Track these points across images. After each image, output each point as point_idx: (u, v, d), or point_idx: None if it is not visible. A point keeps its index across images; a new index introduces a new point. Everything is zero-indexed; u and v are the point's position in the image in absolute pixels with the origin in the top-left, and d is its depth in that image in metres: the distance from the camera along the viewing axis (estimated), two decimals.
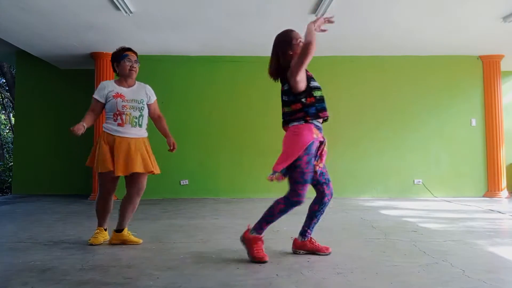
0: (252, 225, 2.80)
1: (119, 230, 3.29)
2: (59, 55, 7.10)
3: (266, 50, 6.58)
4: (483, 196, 7.05)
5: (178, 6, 5.12)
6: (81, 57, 7.17)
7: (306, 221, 2.89)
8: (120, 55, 3.25)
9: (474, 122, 7.22)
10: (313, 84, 2.78)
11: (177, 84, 7.17)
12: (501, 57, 7.18)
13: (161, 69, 7.12)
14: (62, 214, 5.03)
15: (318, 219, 2.88)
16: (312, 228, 2.89)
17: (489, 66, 7.22)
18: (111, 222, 3.47)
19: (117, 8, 5.05)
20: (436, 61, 7.26)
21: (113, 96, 3.17)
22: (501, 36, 6.19)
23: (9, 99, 13.51)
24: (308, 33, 2.72)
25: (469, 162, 7.16)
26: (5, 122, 15.19)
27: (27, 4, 4.95)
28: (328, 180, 2.83)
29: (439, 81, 7.26)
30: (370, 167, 7.11)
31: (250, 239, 2.73)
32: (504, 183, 7.08)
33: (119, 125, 3.15)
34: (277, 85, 2.93)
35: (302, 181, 2.66)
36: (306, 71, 2.80)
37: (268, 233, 3.68)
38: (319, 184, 2.81)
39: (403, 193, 7.07)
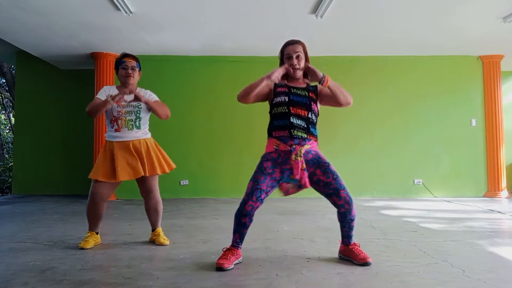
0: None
1: (152, 229, 3.41)
2: (59, 55, 7.10)
3: (266, 50, 6.65)
4: (483, 196, 7.05)
5: (178, 6, 5.12)
6: (81, 57, 7.17)
7: (340, 229, 2.78)
8: (119, 61, 3.28)
9: (474, 122, 7.22)
10: (277, 100, 2.71)
11: (177, 84, 7.17)
12: (501, 57, 7.18)
13: (161, 69, 7.12)
14: (62, 214, 5.03)
15: (350, 227, 2.72)
16: (348, 235, 2.74)
17: (489, 66, 7.22)
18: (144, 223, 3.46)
19: (117, 8, 5.05)
20: (436, 61, 7.26)
21: None
22: (501, 36, 6.19)
23: (9, 99, 13.51)
24: (268, 74, 2.62)
25: (469, 162, 7.16)
26: (5, 122, 15.19)
27: (27, 4, 4.95)
28: (337, 190, 2.67)
29: (439, 81, 7.26)
30: (370, 167, 7.11)
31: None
32: (504, 183, 7.08)
33: (116, 130, 3.17)
34: None
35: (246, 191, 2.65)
36: (280, 87, 2.74)
37: (268, 233, 3.69)
38: (329, 196, 2.70)
39: (403, 193, 7.07)
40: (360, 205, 5.86)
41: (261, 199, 2.61)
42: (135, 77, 3.32)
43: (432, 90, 7.25)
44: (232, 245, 2.68)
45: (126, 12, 5.16)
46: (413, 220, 4.47)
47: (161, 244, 3.25)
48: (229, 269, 2.50)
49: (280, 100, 2.70)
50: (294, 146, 2.61)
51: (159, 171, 3.20)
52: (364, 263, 2.60)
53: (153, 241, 3.33)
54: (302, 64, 2.75)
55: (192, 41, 6.45)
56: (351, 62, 7.26)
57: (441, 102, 7.24)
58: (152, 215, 3.36)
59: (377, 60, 7.24)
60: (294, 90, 2.73)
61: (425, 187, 7.09)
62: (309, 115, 2.71)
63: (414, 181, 7.13)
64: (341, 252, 2.81)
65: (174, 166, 3.33)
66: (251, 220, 2.65)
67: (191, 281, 2.29)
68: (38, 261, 2.73)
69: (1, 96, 14.09)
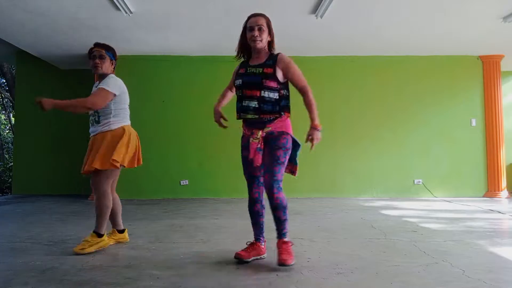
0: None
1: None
2: (59, 55, 7.10)
3: None
4: (483, 196, 7.05)
5: (178, 6, 5.12)
6: (81, 57, 7.16)
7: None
8: (89, 52, 3.23)
9: (474, 122, 7.22)
10: (236, 83, 2.78)
11: (177, 84, 7.16)
12: (501, 57, 7.18)
13: (161, 69, 7.12)
14: (62, 214, 5.03)
15: (275, 218, 2.67)
16: (276, 229, 2.74)
17: (489, 66, 7.22)
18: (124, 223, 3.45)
19: (117, 8, 5.05)
20: (436, 61, 7.26)
21: None
22: (501, 36, 6.19)
23: (9, 99, 13.51)
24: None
25: (469, 162, 7.16)
26: (5, 122, 15.19)
27: (27, 4, 4.95)
28: (264, 172, 2.65)
29: (439, 81, 7.26)
30: (370, 167, 7.11)
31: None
32: (504, 183, 7.08)
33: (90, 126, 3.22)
34: None
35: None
36: (241, 67, 2.81)
37: (268, 233, 3.68)
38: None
39: (403, 193, 7.07)
40: (360, 205, 5.86)
41: (260, 182, 2.75)
42: (104, 66, 3.19)
43: (432, 90, 7.25)
44: (254, 239, 2.81)
45: (126, 12, 5.16)
46: (413, 220, 4.47)
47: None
48: (248, 261, 2.68)
49: (237, 83, 2.75)
50: (253, 130, 2.67)
51: (95, 166, 2.99)
52: (282, 264, 2.51)
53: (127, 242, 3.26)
54: (264, 36, 2.74)
55: (192, 41, 6.45)
56: (351, 62, 7.26)
57: (441, 102, 7.24)
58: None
59: (377, 60, 7.24)
60: (250, 69, 2.73)
61: (425, 187, 7.09)
62: (263, 94, 2.62)
63: (414, 181, 7.13)
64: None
65: (119, 161, 3.01)
66: (263, 206, 2.78)
67: (191, 281, 2.30)
68: (38, 261, 2.73)
69: (1, 96, 14.09)
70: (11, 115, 14.23)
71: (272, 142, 2.63)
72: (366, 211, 5.24)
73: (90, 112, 3.12)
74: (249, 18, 2.81)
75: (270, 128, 2.65)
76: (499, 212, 5.12)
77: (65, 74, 8.00)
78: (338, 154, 7.03)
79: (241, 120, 2.77)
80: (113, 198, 3.26)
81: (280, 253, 2.59)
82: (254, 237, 2.82)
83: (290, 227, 4.13)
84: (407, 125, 7.21)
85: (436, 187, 7.09)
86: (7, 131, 15.07)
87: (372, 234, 3.64)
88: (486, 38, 6.33)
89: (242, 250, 2.74)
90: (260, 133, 2.63)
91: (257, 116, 2.65)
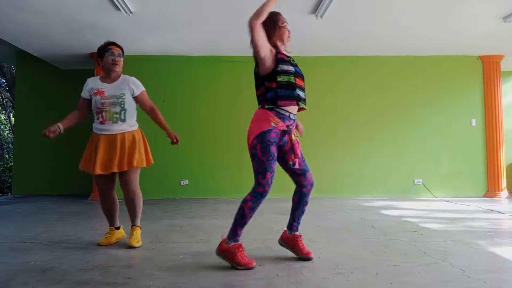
0: (225, 235, 2.60)
1: (131, 225, 3.30)
2: (59, 55, 7.10)
3: None
4: (483, 196, 7.05)
5: (178, 6, 5.12)
6: (81, 57, 7.17)
7: (291, 214, 2.78)
8: (103, 49, 3.20)
9: (474, 122, 7.22)
10: (282, 67, 2.55)
11: (177, 84, 7.16)
12: (501, 57, 7.18)
13: (161, 69, 7.12)
14: (62, 214, 5.03)
15: (303, 211, 2.74)
16: (298, 220, 2.75)
17: (489, 66, 7.22)
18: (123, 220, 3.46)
19: (117, 8, 5.05)
20: (436, 61, 7.26)
21: (94, 93, 3.14)
22: (501, 36, 6.19)
23: (9, 99, 13.51)
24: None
25: (469, 162, 7.16)
26: (5, 122, 15.19)
27: (27, 4, 4.95)
28: (305, 171, 2.68)
29: (439, 81, 7.26)
30: (370, 167, 7.11)
31: (230, 249, 2.52)
32: (504, 183, 7.08)
33: (101, 123, 3.14)
34: None
35: (261, 170, 2.50)
36: (279, 53, 2.61)
37: (268, 233, 3.69)
38: (296, 175, 2.69)
39: (403, 193, 7.07)
40: (360, 205, 5.86)
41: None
42: (120, 65, 3.22)
43: (432, 90, 7.25)
44: (237, 240, 2.55)
45: (126, 12, 5.16)
46: (413, 220, 4.47)
47: (131, 246, 3.10)
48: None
49: (286, 69, 2.56)
50: (290, 127, 2.58)
51: (135, 164, 3.07)
52: (308, 258, 2.67)
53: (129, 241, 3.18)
54: None
55: (192, 41, 6.45)
56: (352, 62, 7.26)
57: (441, 102, 7.24)
58: (129, 207, 3.22)
59: (377, 60, 7.24)
60: (291, 60, 2.69)
61: (425, 187, 7.09)
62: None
63: (414, 181, 7.13)
64: (284, 239, 2.79)
65: (152, 162, 3.27)
66: None
67: (191, 281, 2.29)
68: (38, 261, 2.73)
69: (1, 96, 14.09)
70: (11, 115, 14.23)
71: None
72: (366, 211, 5.24)
73: (114, 109, 3.11)
74: (279, 14, 2.72)
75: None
76: (499, 212, 5.12)
77: (65, 74, 8.00)
78: (338, 154, 7.03)
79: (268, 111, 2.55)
80: (114, 198, 3.29)
81: (304, 247, 2.71)
82: (238, 238, 2.57)
83: None
84: (407, 125, 7.21)
85: (436, 187, 7.09)
86: (7, 131, 15.07)
87: (372, 234, 3.64)
88: (486, 38, 6.33)
89: (246, 259, 2.53)
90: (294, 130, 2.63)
91: (304, 108, 2.65)
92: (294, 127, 2.65)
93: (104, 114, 3.12)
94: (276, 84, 2.54)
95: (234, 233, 2.55)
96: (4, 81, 13.07)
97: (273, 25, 2.65)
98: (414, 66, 7.28)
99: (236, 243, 2.54)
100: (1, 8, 5.04)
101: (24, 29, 5.80)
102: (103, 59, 3.20)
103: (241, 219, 2.55)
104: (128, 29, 5.87)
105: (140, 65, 7.03)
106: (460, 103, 7.25)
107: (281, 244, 2.83)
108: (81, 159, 3.23)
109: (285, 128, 2.55)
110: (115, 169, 3.07)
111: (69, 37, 6.15)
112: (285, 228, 2.82)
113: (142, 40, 6.38)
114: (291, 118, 2.59)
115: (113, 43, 3.26)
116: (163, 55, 7.14)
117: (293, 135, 2.57)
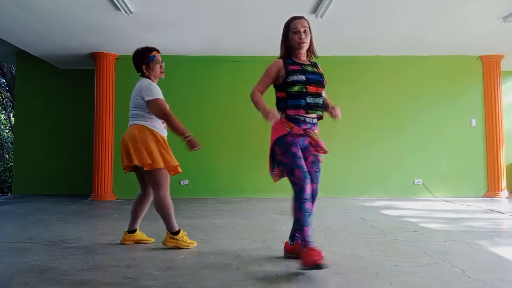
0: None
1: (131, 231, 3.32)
2: (59, 55, 7.10)
3: (266, 50, 6.63)
4: (483, 196, 7.05)
5: (178, 6, 5.12)
6: (81, 57, 7.17)
7: (293, 225, 2.69)
8: (149, 56, 3.28)
9: (474, 122, 7.22)
10: (292, 79, 2.58)
11: (177, 84, 7.16)
12: (501, 57, 7.18)
13: None
14: (62, 214, 5.03)
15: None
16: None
17: (489, 66, 7.22)
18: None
19: (117, 8, 5.05)
20: (436, 61, 7.26)
21: None
22: (501, 36, 6.19)
23: (9, 99, 13.51)
24: (266, 112, 2.52)
25: (469, 162, 7.16)
26: (5, 122, 15.20)
27: (27, 4, 4.95)
28: (313, 180, 2.64)
29: (439, 81, 7.26)
30: (370, 167, 7.11)
31: (296, 248, 2.64)
32: (504, 183, 7.08)
33: (165, 126, 3.42)
34: None
35: (289, 170, 2.52)
36: (290, 64, 2.64)
37: (268, 233, 3.69)
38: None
39: (403, 193, 7.07)
40: (360, 205, 5.86)
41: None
42: None
43: (432, 90, 7.25)
44: (310, 243, 2.40)
45: (126, 12, 5.16)
46: (413, 220, 4.47)
47: (149, 241, 3.31)
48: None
49: (296, 79, 2.59)
50: (308, 130, 2.60)
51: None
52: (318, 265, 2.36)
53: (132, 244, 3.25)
54: (308, 39, 2.71)
55: (192, 41, 6.45)
56: (351, 62, 7.26)
57: (441, 102, 7.24)
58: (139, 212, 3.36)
59: (377, 60, 7.24)
60: (306, 67, 2.69)
61: (425, 187, 7.09)
62: (322, 93, 2.70)
63: (414, 181, 7.13)
64: (288, 251, 2.73)
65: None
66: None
67: (191, 281, 2.29)
68: (38, 261, 2.73)
69: (1, 96, 14.09)
70: (11, 115, 14.24)
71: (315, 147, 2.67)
72: (366, 211, 5.24)
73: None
74: (293, 19, 2.74)
75: (316, 131, 2.67)
76: (499, 212, 5.12)
77: (65, 74, 8.00)
78: (338, 154, 7.02)
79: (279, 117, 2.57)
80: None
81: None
82: (310, 241, 2.43)
83: (290, 227, 4.13)
84: (407, 125, 7.21)
85: (436, 187, 7.09)
86: (7, 131, 15.07)
87: (372, 234, 3.64)
88: (486, 38, 6.33)
89: (315, 254, 2.32)
90: (316, 131, 2.64)
91: (321, 113, 2.66)
92: (314, 130, 2.66)
93: None
94: (286, 94, 2.60)
95: (293, 235, 2.68)
96: (4, 81, 13.08)
97: (286, 32, 2.72)
98: (414, 66, 7.28)
99: (306, 242, 2.41)
100: (2, 8, 5.04)
101: (24, 29, 5.80)
102: (149, 67, 3.37)
103: (298, 225, 2.48)
104: (128, 29, 5.87)
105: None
106: (460, 103, 7.25)
107: (288, 257, 2.75)
108: (163, 160, 3.20)
109: (301, 132, 2.58)
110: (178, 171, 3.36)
111: (69, 37, 6.15)
112: (286, 240, 2.80)
113: (142, 40, 6.35)
114: (307, 122, 2.60)
115: (156, 49, 3.46)
116: (163, 55, 7.03)
117: (313, 133, 2.62)
